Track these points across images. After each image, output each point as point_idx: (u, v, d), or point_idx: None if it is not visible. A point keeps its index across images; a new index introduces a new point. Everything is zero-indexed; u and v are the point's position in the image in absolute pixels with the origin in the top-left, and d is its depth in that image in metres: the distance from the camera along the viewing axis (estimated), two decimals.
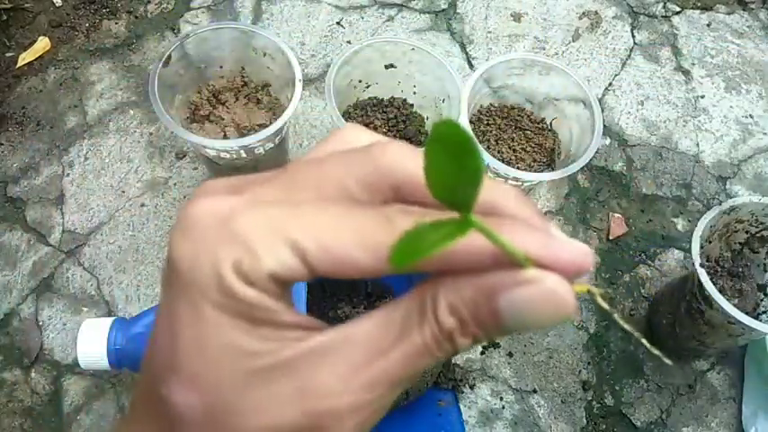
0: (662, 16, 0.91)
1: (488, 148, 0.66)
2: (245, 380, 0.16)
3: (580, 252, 0.17)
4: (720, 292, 0.55)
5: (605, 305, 0.23)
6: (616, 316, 0.23)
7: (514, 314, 0.16)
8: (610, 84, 0.84)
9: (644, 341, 0.24)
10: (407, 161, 0.17)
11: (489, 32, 0.87)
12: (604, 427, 0.63)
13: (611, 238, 0.73)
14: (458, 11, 0.88)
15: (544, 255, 0.16)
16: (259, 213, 0.16)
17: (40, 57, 0.79)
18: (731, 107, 0.84)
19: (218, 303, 0.16)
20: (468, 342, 0.17)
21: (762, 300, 0.63)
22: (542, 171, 0.66)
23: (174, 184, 0.72)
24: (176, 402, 0.17)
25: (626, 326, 0.24)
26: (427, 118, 0.68)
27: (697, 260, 0.56)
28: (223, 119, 0.63)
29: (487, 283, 0.16)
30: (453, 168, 0.15)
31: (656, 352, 0.24)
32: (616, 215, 0.75)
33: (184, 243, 0.16)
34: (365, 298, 0.60)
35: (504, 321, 0.17)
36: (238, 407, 0.16)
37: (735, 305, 0.52)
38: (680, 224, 0.75)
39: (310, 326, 0.17)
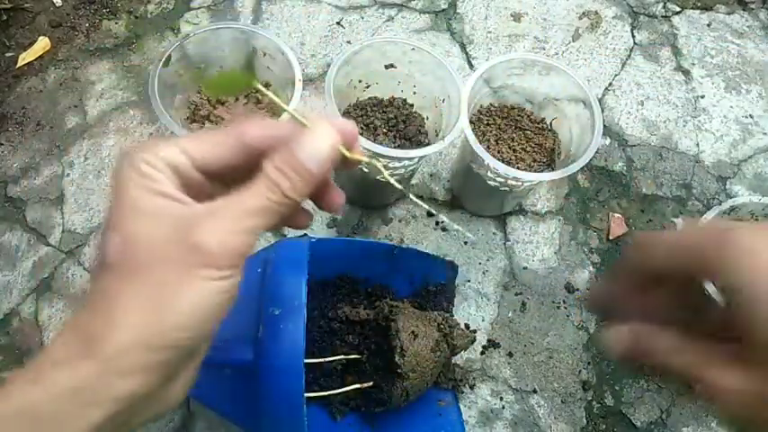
0: (662, 16, 0.91)
1: (488, 148, 0.66)
2: (147, 224, 0.26)
3: (344, 121, 0.30)
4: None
5: (378, 165, 0.34)
6: (386, 173, 0.34)
7: (306, 152, 0.28)
8: (610, 84, 0.84)
9: (418, 200, 0.38)
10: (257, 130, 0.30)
11: (489, 32, 0.87)
12: (604, 427, 0.63)
13: (611, 238, 0.73)
14: (458, 11, 0.88)
15: (318, 120, 0.29)
16: (167, 140, 0.28)
17: (40, 57, 0.79)
18: (731, 107, 0.84)
19: (134, 181, 0.27)
20: (290, 186, 0.28)
21: None
22: (542, 171, 0.66)
23: None
24: (103, 245, 0.27)
25: (397, 185, 0.36)
26: (427, 118, 0.68)
27: None
28: (223, 119, 0.63)
29: (287, 143, 0.28)
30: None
31: (426, 207, 0.38)
32: (616, 215, 0.75)
33: (119, 157, 0.28)
34: (365, 298, 0.60)
35: (302, 159, 0.28)
36: (140, 241, 0.26)
37: None
38: (680, 224, 0.75)
39: (195, 202, 0.28)
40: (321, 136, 0.28)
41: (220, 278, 0.26)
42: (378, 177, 0.63)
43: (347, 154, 0.30)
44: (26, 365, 0.26)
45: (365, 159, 0.31)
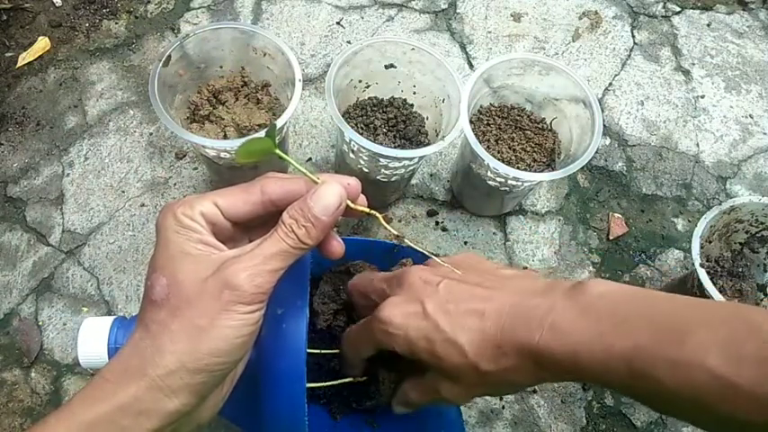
0: (662, 16, 0.91)
1: (488, 148, 0.66)
2: (189, 267, 0.31)
3: (349, 178, 0.35)
4: (720, 292, 0.55)
5: (387, 226, 0.40)
6: (384, 223, 0.40)
7: (318, 205, 0.32)
8: (610, 84, 0.84)
9: (434, 257, 0.42)
10: (277, 187, 0.35)
11: (489, 32, 0.87)
12: (604, 427, 0.63)
13: (611, 238, 0.73)
14: (458, 11, 0.88)
15: (327, 178, 0.34)
16: (199, 195, 0.34)
17: (39, 57, 0.79)
18: (731, 107, 0.84)
19: (174, 230, 0.32)
20: (305, 233, 0.32)
21: (762, 300, 0.63)
22: (542, 171, 0.66)
23: (174, 184, 0.72)
24: (152, 284, 0.32)
25: (415, 246, 0.43)
26: (427, 118, 0.68)
27: (697, 260, 0.56)
28: (223, 119, 0.63)
29: (302, 197, 0.33)
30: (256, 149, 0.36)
31: (443, 263, 0.42)
32: (616, 215, 0.75)
33: (162, 211, 0.33)
34: None
35: (314, 211, 0.32)
36: (183, 281, 0.31)
37: None
38: (680, 224, 0.75)
39: (225, 247, 0.34)
40: (331, 191, 0.33)
41: (248, 312, 0.31)
42: (378, 177, 0.63)
43: (352, 206, 0.36)
44: (85, 387, 0.31)
45: (366, 210, 0.37)
